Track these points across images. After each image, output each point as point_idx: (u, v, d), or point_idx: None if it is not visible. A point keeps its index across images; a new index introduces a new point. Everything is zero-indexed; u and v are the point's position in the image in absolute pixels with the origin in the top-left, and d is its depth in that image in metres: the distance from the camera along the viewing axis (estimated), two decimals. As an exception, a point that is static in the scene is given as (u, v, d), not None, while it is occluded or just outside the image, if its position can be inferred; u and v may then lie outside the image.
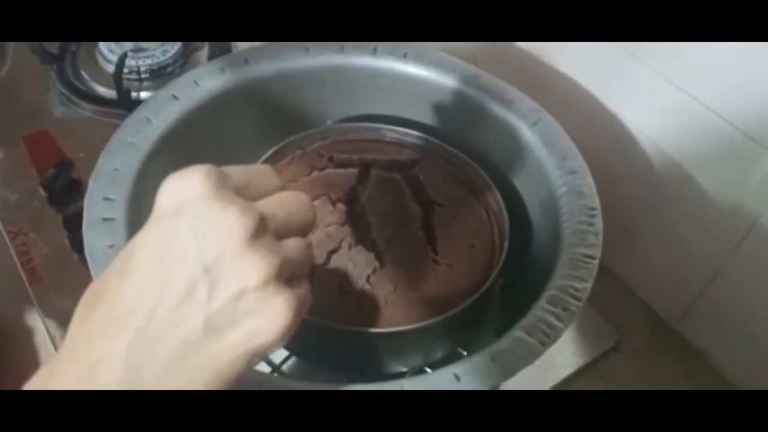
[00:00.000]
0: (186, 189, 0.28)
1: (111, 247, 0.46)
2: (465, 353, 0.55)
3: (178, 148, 0.56)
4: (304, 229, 0.32)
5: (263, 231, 0.28)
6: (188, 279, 0.27)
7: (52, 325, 0.61)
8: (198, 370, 0.28)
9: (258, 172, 0.32)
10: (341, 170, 0.57)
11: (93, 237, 0.47)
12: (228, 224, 0.27)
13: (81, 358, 0.28)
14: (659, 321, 0.67)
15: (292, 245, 0.30)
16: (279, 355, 0.56)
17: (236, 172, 0.30)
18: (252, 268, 0.27)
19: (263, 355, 0.30)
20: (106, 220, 0.48)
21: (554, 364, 0.62)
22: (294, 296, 0.29)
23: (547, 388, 0.61)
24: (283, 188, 0.32)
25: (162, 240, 0.28)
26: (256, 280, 0.27)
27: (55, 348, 0.60)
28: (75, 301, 0.60)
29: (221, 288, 0.27)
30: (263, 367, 0.56)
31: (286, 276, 0.29)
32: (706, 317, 0.63)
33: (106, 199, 0.49)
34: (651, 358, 0.65)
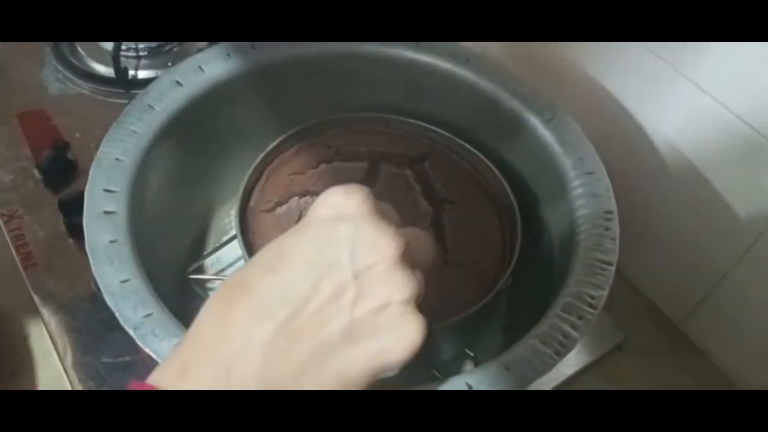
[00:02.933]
0: (347, 204, 0.30)
1: (113, 242, 0.45)
2: (471, 353, 0.54)
3: (182, 136, 0.54)
4: (425, 265, 0.33)
5: (407, 257, 0.30)
6: (338, 282, 0.28)
7: (47, 311, 0.60)
8: (328, 375, 0.29)
9: (386, 206, 0.34)
10: (349, 164, 0.56)
11: (94, 231, 0.45)
12: (383, 242, 0.29)
13: (219, 349, 0.28)
14: (664, 321, 0.67)
15: (419, 276, 0.31)
16: None
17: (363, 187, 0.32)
18: (400, 284, 0.29)
19: (385, 375, 0.30)
20: (107, 213, 0.46)
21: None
22: (425, 321, 0.30)
23: (551, 386, 0.60)
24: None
25: (318, 243, 0.29)
26: (401, 297, 0.29)
27: (50, 335, 0.59)
28: (71, 287, 0.60)
29: (368, 297, 0.29)
30: None
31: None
32: (711, 318, 0.63)
33: (108, 190, 0.47)
34: (656, 357, 0.64)
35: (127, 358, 0.56)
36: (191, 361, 0.29)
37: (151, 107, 0.52)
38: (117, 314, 0.42)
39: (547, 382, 0.60)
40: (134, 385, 0.29)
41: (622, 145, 0.62)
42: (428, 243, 0.34)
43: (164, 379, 0.29)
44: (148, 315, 0.42)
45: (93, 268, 0.44)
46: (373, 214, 0.31)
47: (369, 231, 0.30)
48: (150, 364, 0.41)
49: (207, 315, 0.30)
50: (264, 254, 0.30)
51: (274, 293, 0.29)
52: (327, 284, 0.28)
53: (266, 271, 0.29)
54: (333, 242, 0.29)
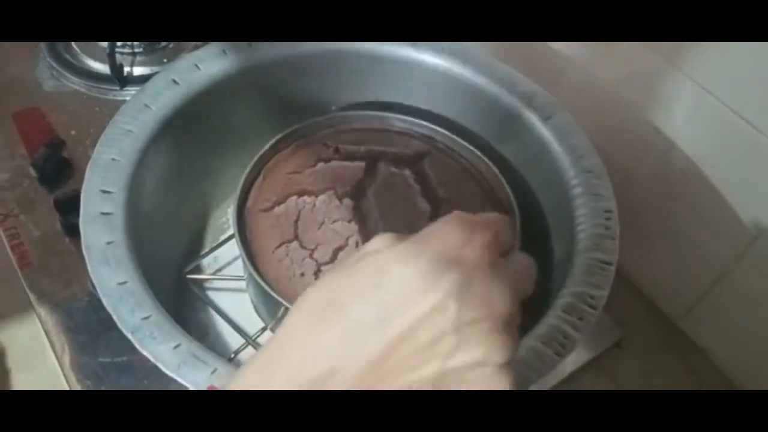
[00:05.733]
0: (467, 249, 0.28)
1: (110, 243, 0.45)
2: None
3: (179, 135, 0.54)
4: (527, 293, 0.31)
5: (514, 316, 0.28)
6: (439, 330, 0.27)
7: (43, 310, 0.59)
8: None
9: (499, 223, 0.31)
10: (347, 163, 0.55)
11: (91, 233, 0.45)
12: (497, 297, 0.27)
13: (307, 367, 0.27)
14: (663, 318, 0.67)
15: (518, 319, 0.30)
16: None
17: (490, 225, 0.29)
18: (502, 347, 0.28)
19: None
20: (104, 214, 0.46)
21: (558, 361, 0.61)
22: (515, 384, 0.29)
23: (550, 384, 0.60)
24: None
25: (426, 281, 0.27)
26: (500, 360, 0.28)
27: (47, 334, 0.58)
28: (67, 286, 0.60)
29: (466, 351, 0.27)
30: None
31: None
32: (710, 316, 0.63)
33: (104, 191, 0.47)
34: (654, 355, 0.64)
35: (125, 358, 0.55)
36: (276, 373, 0.28)
37: (147, 106, 0.52)
38: (115, 317, 0.41)
39: (546, 380, 0.60)
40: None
41: (622, 143, 0.62)
42: (533, 270, 0.31)
43: (246, 387, 0.28)
44: (146, 318, 0.42)
45: (90, 271, 0.43)
46: (495, 264, 0.28)
47: (483, 282, 0.27)
48: (147, 364, 0.41)
49: (295, 327, 0.28)
50: (368, 270, 0.28)
51: (370, 320, 0.27)
52: (426, 330, 0.27)
53: (367, 292, 0.27)
54: (443, 285, 0.27)
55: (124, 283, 0.43)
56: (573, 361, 0.62)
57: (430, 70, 0.59)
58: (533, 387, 0.42)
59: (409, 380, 0.27)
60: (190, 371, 0.40)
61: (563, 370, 0.61)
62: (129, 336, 0.41)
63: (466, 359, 0.27)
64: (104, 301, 0.42)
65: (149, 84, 0.53)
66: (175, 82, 0.54)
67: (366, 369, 0.27)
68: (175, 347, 0.41)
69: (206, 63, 0.55)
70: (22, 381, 0.60)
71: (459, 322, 0.27)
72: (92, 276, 0.43)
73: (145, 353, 0.40)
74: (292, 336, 0.28)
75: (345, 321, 0.27)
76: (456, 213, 0.30)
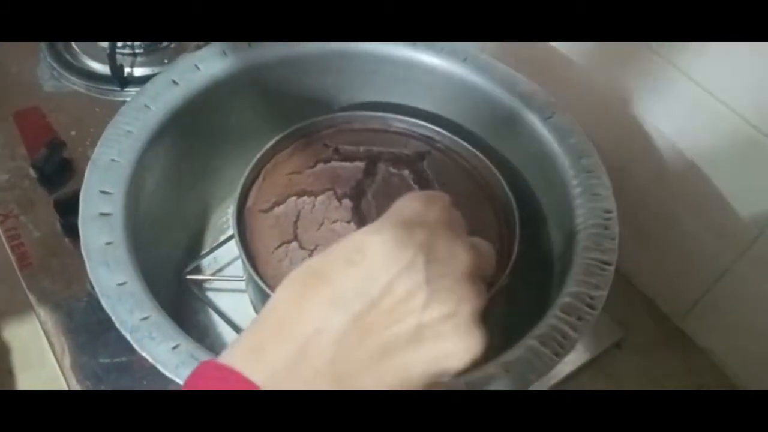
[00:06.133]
0: (427, 211, 0.31)
1: (109, 244, 0.45)
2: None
3: (178, 136, 0.54)
4: (486, 276, 0.33)
5: (476, 269, 0.31)
6: (412, 284, 0.29)
7: (43, 311, 0.60)
8: (390, 373, 0.29)
9: (458, 215, 0.34)
10: (347, 163, 0.55)
11: (90, 234, 0.45)
12: (459, 252, 0.30)
13: (294, 330, 0.29)
14: (663, 318, 0.67)
15: (482, 287, 0.32)
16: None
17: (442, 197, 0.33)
18: (469, 296, 0.30)
19: (441, 379, 0.31)
20: (103, 215, 0.46)
21: (557, 361, 0.61)
22: (488, 334, 0.30)
23: (549, 384, 0.60)
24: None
25: (397, 244, 0.30)
26: (469, 308, 0.30)
27: (47, 335, 0.58)
28: (67, 287, 0.60)
29: (438, 303, 0.29)
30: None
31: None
32: (710, 315, 0.63)
33: (104, 192, 0.47)
34: (654, 355, 0.64)
35: (124, 359, 0.55)
36: (266, 340, 0.30)
37: (147, 107, 0.52)
38: (114, 318, 0.41)
39: (545, 380, 0.60)
40: (209, 365, 0.30)
41: (622, 143, 0.62)
42: (491, 254, 0.34)
43: (239, 357, 0.30)
44: (145, 318, 0.42)
45: (89, 271, 0.43)
46: (450, 224, 0.32)
47: (445, 241, 0.30)
48: (146, 365, 0.41)
49: (282, 298, 0.30)
50: (344, 246, 0.31)
51: (352, 286, 0.29)
52: (401, 284, 0.29)
53: (346, 263, 0.30)
54: (411, 245, 0.30)
55: (124, 283, 0.43)
56: (573, 361, 0.62)
57: (429, 70, 0.59)
58: (532, 387, 0.42)
59: (389, 336, 0.29)
60: (188, 372, 0.40)
61: (562, 370, 0.61)
62: (127, 336, 0.41)
63: (440, 310, 0.29)
64: (103, 302, 0.42)
65: (149, 85, 0.53)
66: (174, 82, 0.54)
67: (348, 326, 0.29)
68: (174, 348, 0.41)
69: (206, 63, 0.55)
70: (22, 381, 0.60)
71: (428, 276, 0.29)
72: (91, 277, 0.43)
73: (143, 354, 0.40)
74: (277, 308, 0.30)
75: (327, 287, 0.29)
76: (410, 192, 0.33)
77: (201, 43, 0.66)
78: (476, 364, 0.31)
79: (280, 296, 0.31)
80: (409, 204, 0.32)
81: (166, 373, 0.40)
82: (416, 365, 0.30)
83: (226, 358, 0.30)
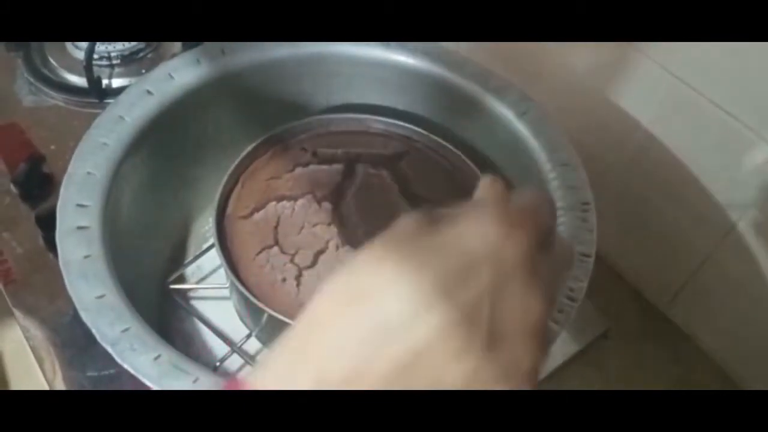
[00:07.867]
0: (505, 250, 0.25)
1: (87, 257, 0.44)
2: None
3: (155, 145, 0.54)
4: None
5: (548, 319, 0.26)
6: (470, 332, 0.24)
7: (29, 326, 0.59)
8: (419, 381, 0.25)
9: (540, 206, 0.28)
10: (326, 166, 0.55)
11: (67, 247, 0.45)
12: (532, 305, 0.25)
13: (333, 367, 0.25)
14: (649, 306, 0.67)
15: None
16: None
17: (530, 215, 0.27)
18: (533, 355, 0.25)
19: None
20: (80, 228, 0.46)
21: (545, 354, 0.61)
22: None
23: (539, 377, 0.60)
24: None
25: (457, 279, 0.25)
26: (529, 366, 0.26)
27: (33, 350, 0.58)
28: (52, 302, 0.60)
29: (491, 362, 0.25)
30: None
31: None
32: (694, 302, 0.63)
33: (80, 205, 0.47)
34: (642, 344, 0.64)
35: (112, 371, 0.55)
36: (299, 378, 0.26)
37: (122, 118, 0.52)
38: (94, 331, 0.41)
39: (534, 374, 0.60)
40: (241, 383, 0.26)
41: (600, 135, 0.62)
42: (572, 255, 0.30)
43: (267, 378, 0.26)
44: (126, 330, 0.42)
45: (67, 285, 0.43)
46: (530, 268, 0.25)
47: (519, 291, 0.25)
48: (134, 376, 0.41)
49: (320, 311, 0.26)
50: (399, 251, 0.26)
51: (402, 314, 0.24)
52: (457, 334, 0.24)
53: (397, 278, 0.25)
54: (475, 288, 0.25)
55: (102, 296, 0.43)
56: (561, 353, 0.62)
57: (404, 70, 0.59)
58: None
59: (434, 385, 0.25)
60: (172, 382, 0.40)
61: (551, 363, 0.61)
62: (109, 349, 0.41)
63: (492, 371, 0.25)
64: (83, 316, 0.42)
65: (123, 95, 0.53)
66: (149, 92, 0.54)
67: (392, 372, 0.24)
68: (156, 358, 0.41)
69: (180, 72, 0.55)
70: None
71: (491, 329, 0.24)
72: (70, 291, 0.43)
73: (125, 366, 0.40)
74: (320, 314, 0.26)
75: (374, 309, 0.25)
76: (490, 200, 0.27)
77: (178, 51, 0.66)
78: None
79: (317, 308, 0.26)
80: (485, 234, 0.25)
81: (149, 384, 0.40)
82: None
83: (255, 386, 0.26)
